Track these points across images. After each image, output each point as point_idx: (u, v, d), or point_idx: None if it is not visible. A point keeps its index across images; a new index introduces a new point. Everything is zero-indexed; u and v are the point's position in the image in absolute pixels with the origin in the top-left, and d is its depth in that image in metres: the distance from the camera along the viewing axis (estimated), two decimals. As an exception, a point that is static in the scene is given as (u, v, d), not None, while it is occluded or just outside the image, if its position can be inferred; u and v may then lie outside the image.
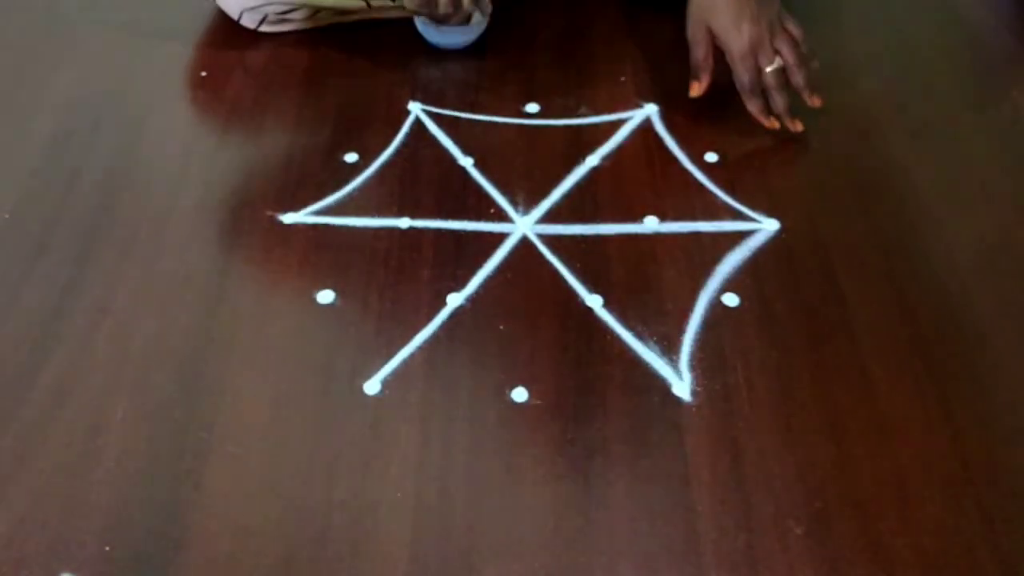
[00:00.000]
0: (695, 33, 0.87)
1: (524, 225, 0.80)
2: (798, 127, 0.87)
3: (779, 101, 0.86)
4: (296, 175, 0.85)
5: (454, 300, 0.74)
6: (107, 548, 0.60)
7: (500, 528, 0.61)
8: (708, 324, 0.73)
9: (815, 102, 0.86)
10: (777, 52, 0.85)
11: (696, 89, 0.88)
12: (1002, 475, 0.64)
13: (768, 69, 0.84)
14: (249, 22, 0.98)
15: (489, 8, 0.96)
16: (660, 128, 0.89)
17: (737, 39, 0.84)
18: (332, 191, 0.83)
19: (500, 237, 0.79)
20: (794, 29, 0.86)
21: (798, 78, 0.85)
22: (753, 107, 0.86)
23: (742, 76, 0.85)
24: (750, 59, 0.84)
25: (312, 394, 0.68)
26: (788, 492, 0.63)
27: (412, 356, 0.71)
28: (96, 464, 0.64)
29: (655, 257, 0.78)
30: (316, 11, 0.97)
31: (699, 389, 0.69)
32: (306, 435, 0.66)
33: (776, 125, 0.87)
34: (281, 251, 0.78)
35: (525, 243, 0.79)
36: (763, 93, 0.86)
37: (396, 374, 0.70)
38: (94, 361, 0.70)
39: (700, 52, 0.87)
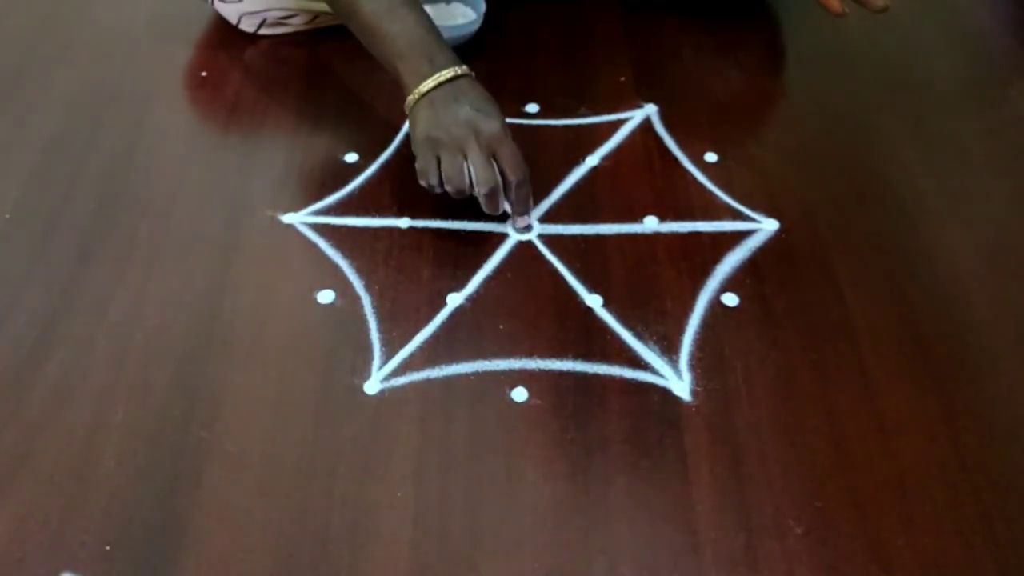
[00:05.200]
0: None
1: (524, 225, 0.80)
2: (879, 3, 0.85)
3: None
4: (296, 175, 0.85)
5: (454, 300, 0.74)
6: (107, 548, 0.60)
7: (500, 528, 0.61)
8: (708, 324, 0.73)
9: (878, 3, 0.85)
10: None
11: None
12: (1002, 475, 0.64)
13: None
14: (248, 26, 0.98)
15: (483, 7, 0.96)
16: (660, 128, 0.89)
17: None
18: (332, 191, 0.83)
19: (500, 237, 0.79)
20: None
21: None
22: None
23: None
24: None
25: (312, 394, 0.68)
26: (788, 492, 0.63)
27: (412, 356, 0.71)
28: (96, 464, 0.64)
29: (655, 257, 0.78)
30: (315, 16, 0.97)
31: (699, 389, 0.69)
32: (306, 435, 0.66)
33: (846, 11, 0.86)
34: (281, 251, 0.78)
35: (525, 243, 0.79)
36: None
37: (396, 374, 0.70)
38: (94, 361, 0.70)
39: None
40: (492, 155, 0.75)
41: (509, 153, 0.75)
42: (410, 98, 0.77)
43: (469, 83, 0.77)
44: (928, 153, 0.87)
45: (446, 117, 0.75)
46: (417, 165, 0.77)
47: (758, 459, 0.65)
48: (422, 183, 0.77)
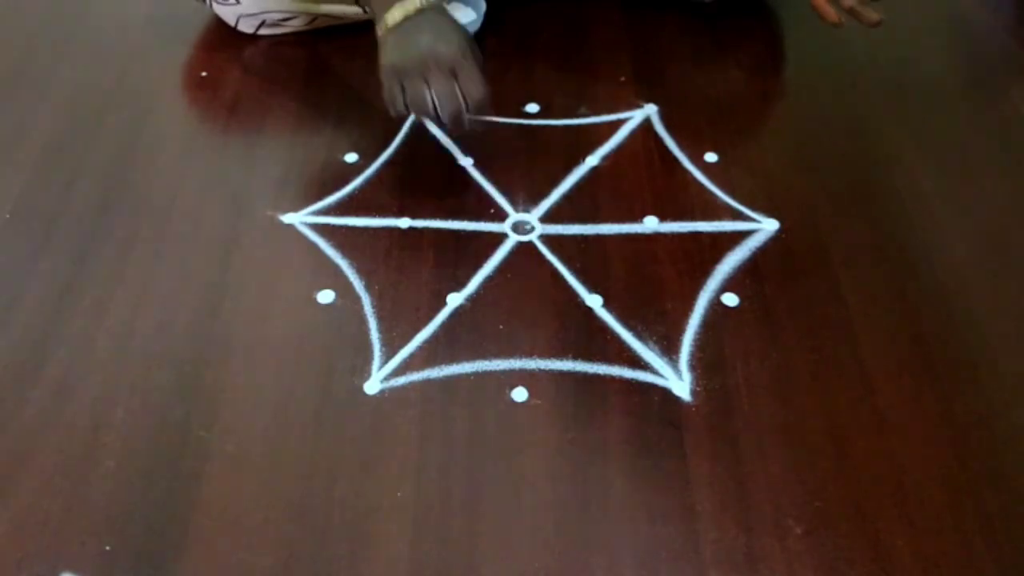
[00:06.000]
0: None
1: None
2: (873, 17, 0.86)
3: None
4: (296, 175, 0.85)
5: (454, 300, 0.74)
6: (107, 548, 0.60)
7: (500, 528, 0.61)
8: (708, 324, 0.73)
9: (872, 17, 0.86)
10: None
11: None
12: (1002, 475, 0.64)
13: None
14: (247, 27, 0.98)
15: (483, 7, 0.96)
16: (660, 128, 0.89)
17: None
18: (332, 191, 0.83)
19: (500, 237, 0.79)
20: None
21: None
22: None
23: None
24: None
25: (312, 394, 0.68)
26: (788, 492, 0.63)
27: (412, 356, 0.71)
28: (96, 464, 0.64)
29: (655, 257, 0.78)
30: (313, 18, 0.97)
31: (699, 389, 0.69)
32: (306, 435, 0.66)
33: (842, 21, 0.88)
34: (281, 251, 0.78)
35: (525, 243, 0.79)
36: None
37: (396, 374, 0.70)
38: (94, 361, 0.70)
39: None
40: (454, 77, 0.76)
41: (468, 74, 0.76)
42: (379, 32, 0.78)
43: (435, 14, 0.78)
44: (928, 153, 0.87)
45: (409, 46, 0.76)
46: (384, 95, 0.78)
47: (758, 459, 0.65)
48: (391, 113, 0.78)
